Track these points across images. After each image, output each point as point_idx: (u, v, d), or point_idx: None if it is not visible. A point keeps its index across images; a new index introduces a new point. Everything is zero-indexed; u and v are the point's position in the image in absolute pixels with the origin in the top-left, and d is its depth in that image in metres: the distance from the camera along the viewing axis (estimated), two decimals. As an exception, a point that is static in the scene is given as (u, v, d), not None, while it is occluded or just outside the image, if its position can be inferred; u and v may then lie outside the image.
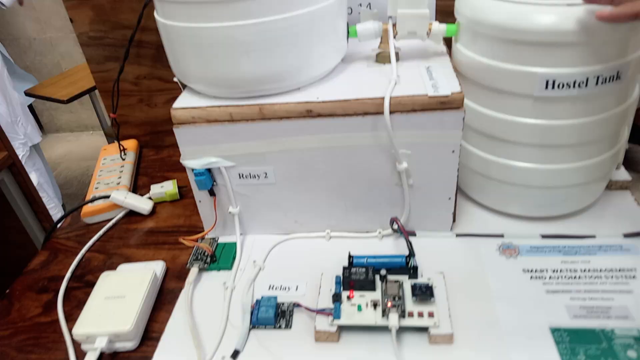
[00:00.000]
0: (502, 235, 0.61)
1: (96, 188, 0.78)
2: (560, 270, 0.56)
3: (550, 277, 0.56)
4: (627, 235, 0.59)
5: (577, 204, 0.62)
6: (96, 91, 1.89)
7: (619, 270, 0.55)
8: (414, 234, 0.62)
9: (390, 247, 0.62)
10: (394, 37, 0.58)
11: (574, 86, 0.50)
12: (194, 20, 0.50)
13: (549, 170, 0.57)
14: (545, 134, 0.54)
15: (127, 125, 0.91)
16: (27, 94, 1.82)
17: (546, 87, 0.51)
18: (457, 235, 0.62)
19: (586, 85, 0.50)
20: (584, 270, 0.56)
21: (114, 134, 0.86)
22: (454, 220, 0.63)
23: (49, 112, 2.68)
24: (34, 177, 1.61)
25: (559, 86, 0.50)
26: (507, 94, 0.54)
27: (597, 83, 0.50)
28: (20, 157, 1.58)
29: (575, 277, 0.55)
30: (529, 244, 0.60)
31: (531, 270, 0.57)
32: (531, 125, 0.54)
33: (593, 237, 0.60)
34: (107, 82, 0.84)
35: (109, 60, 0.83)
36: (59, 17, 2.36)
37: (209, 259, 0.61)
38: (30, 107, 2.55)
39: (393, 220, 0.60)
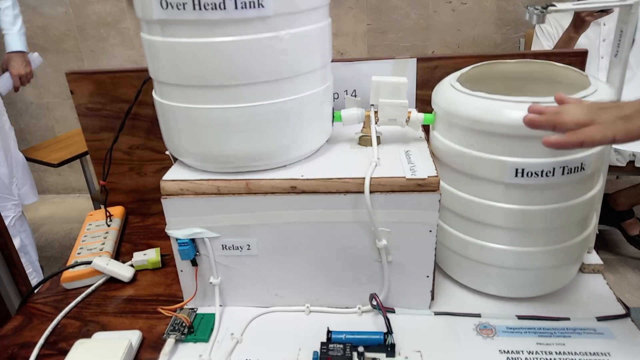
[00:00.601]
0: (479, 315, 0.62)
1: (78, 253, 0.78)
2: (536, 352, 0.57)
3: (525, 359, 0.56)
4: (600, 319, 0.60)
5: (551, 286, 0.64)
6: (87, 157, 1.92)
7: (593, 354, 0.56)
8: (393, 311, 0.63)
9: (370, 323, 0.62)
10: (376, 122, 0.63)
11: (542, 175, 0.54)
12: (189, 102, 0.54)
13: (522, 253, 0.60)
14: (517, 218, 0.57)
15: (116, 192, 0.93)
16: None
17: (516, 174, 0.54)
18: (436, 313, 0.63)
19: (553, 174, 0.54)
20: (559, 353, 0.57)
21: (102, 201, 0.87)
22: (432, 298, 0.64)
23: (37, 173, 2.68)
24: (19, 239, 1.60)
25: (528, 174, 0.54)
26: (480, 179, 0.57)
27: (563, 173, 0.54)
28: (10, 218, 1.58)
29: (550, 360, 0.56)
30: (505, 325, 0.61)
31: (507, 352, 0.57)
32: (504, 209, 0.57)
33: (568, 319, 0.61)
34: (101, 151, 0.87)
35: (104, 130, 0.86)
36: (58, 84, 2.44)
37: (186, 330, 0.60)
38: (19, 168, 2.56)
39: (372, 297, 0.61)
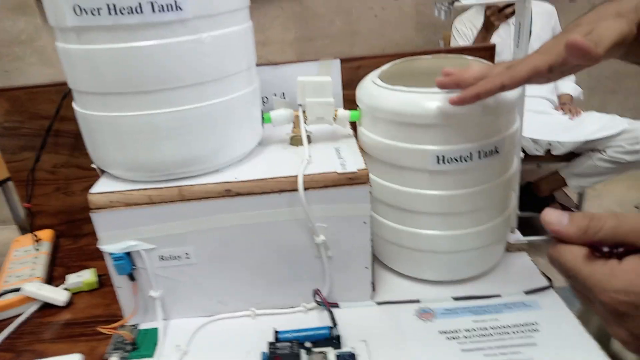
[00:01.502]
0: (418, 301, 0.65)
1: (6, 282, 0.73)
2: (473, 330, 0.60)
3: (464, 337, 0.59)
4: (527, 292, 0.65)
5: (481, 267, 0.68)
6: (9, 182, 1.80)
7: (524, 325, 0.60)
8: (337, 306, 0.64)
9: (316, 320, 0.63)
10: (305, 122, 0.64)
11: (461, 160, 0.57)
12: (112, 110, 0.53)
13: (451, 236, 0.63)
14: (442, 203, 0.61)
15: (43, 215, 0.88)
16: None
17: (437, 161, 0.57)
18: (378, 303, 0.65)
19: (471, 159, 0.57)
20: (493, 328, 0.60)
21: (28, 225, 0.82)
22: (373, 289, 0.66)
23: (-48, 206, 2.48)
24: None
25: (448, 161, 0.57)
26: (406, 169, 0.60)
27: (479, 157, 0.58)
28: None
29: (486, 335, 0.59)
30: (443, 307, 0.64)
31: (446, 332, 0.60)
32: (430, 196, 0.60)
33: (499, 296, 0.65)
34: (22, 172, 0.82)
35: (25, 149, 0.82)
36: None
37: (129, 347, 0.59)
38: None
39: (315, 292, 0.62)
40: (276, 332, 0.58)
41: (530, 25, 0.60)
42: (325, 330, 0.58)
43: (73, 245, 0.88)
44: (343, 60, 0.79)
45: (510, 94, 0.58)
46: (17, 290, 0.69)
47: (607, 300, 0.30)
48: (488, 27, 1.78)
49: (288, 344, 0.55)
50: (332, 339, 0.56)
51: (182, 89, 0.53)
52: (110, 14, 0.48)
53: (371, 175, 0.65)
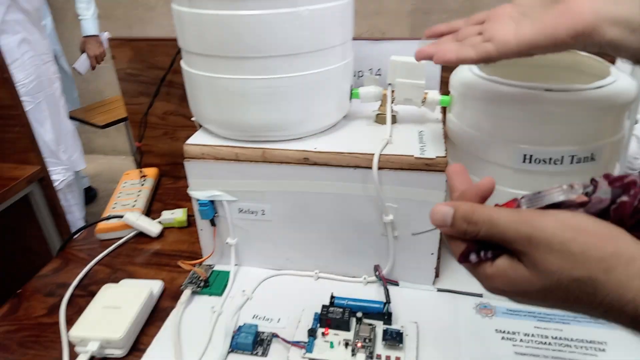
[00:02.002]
0: (480, 295, 0.64)
1: (113, 208, 0.84)
2: (532, 335, 0.58)
3: (521, 340, 0.58)
4: (600, 309, 0.61)
5: (554, 273, 0.65)
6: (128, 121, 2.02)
7: (590, 342, 0.57)
8: (396, 284, 0.66)
9: (373, 293, 0.65)
10: (392, 101, 0.64)
11: (549, 162, 0.54)
12: (212, 71, 0.58)
13: (527, 238, 0.61)
14: (523, 203, 0.58)
15: (151, 155, 0.99)
16: (70, 116, 1.96)
17: (524, 160, 0.55)
18: (439, 290, 0.66)
19: (561, 162, 0.54)
20: (555, 338, 0.58)
21: (137, 161, 0.93)
22: (437, 276, 0.66)
23: (86, 134, 2.83)
24: (66, 200, 1.72)
25: (535, 161, 0.55)
26: (490, 163, 0.58)
27: (572, 162, 0.54)
28: (59, 182, 1.70)
29: (545, 343, 0.57)
30: (506, 307, 0.62)
31: (503, 332, 0.59)
32: (511, 195, 0.58)
33: (567, 306, 0.62)
34: (138, 114, 0.92)
35: (142, 95, 0.91)
36: (107, 50, 2.55)
37: (202, 284, 0.65)
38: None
39: (375, 268, 0.64)
40: (332, 296, 0.61)
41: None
42: (379, 304, 0.60)
43: (172, 184, 0.97)
44: (446, 41, 0.77)
45: (621, 97, 0.53)
46: (121, 217, 0.80)
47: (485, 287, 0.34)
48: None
49: (341, 309, 0.57)
50: (383, 314, 0.58)
51: (276, 58, 0.56)
52: (220, -19, 0.51)
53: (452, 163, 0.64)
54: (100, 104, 2.13)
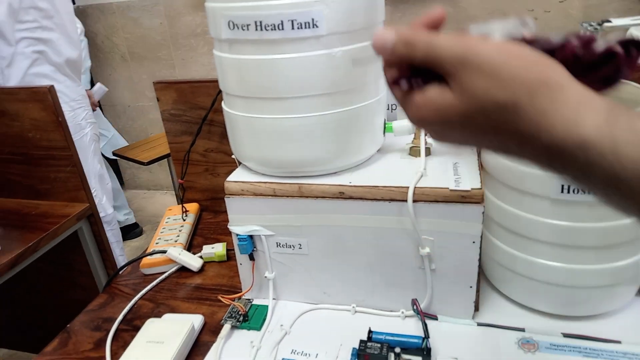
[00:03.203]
0: (522, 329, 0.62)
1: (157, 243, 0.88)
2: (579, 372, 0.56)
3: (567, 377, 0.56)
4: (654, 345, 0.58)
5: (602, 306, 0.62)
6: (170, 157, 2.10)
7: (641, 380, 0.55)
8: (435, 318, 0.65)
9: (412, 328, 0.65)
10: (425, 135, 0.65)
11: (588, 192, 0.53)
12: (250, 112, 0.61)
13: (572, 270, 0.59)
14: (564, 234, 0.57)
15: (192, 190, 1.02)
16: (115, 154, 2.05)
17: (562, 190, 0.54)
18: (479, 324, 0.64)
19: (601, 192, 0.53)
20: (603, 375, 0.56)
21: (180, 197, 0.97)
22: (476, 309, 0.65)
23: (131, 170, 2.96)
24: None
25: (574, 191, 0.54)
26: (527, 194, 0.58)
27: (611, 191, 0.53)
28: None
29: (593, 381, 0.55)
30: (550, 341, 0.60)
31: (548, 368, 0.57)
32: (551, 225, 0.57)
33: (618, 342, 0.59)
34: (180, 152, 0.96)
35: (184, 134, 0.96)
36: (152, 89, 2.68)
37: (241, 318, 0.67)
38: (116, 164, 2.84)
39: (413, 302, 0.64)
40: (370, 331, 0.61)
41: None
42: (417, 339, 0.59)
43: (213, 219, 1.00)
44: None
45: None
46: (164, 252, 0.82)
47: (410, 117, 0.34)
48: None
49: (379, 345, 0.57)
50: (422, 350, 0.57)
51: (311, 98, 0.58)
52: (257, 29, 0.54)
53: (489, 195, 0.63)
54: (145, 141, 2.23)
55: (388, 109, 0.81)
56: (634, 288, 0.63)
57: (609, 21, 0.53)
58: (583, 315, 0.63)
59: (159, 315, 0.71)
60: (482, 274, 0.71)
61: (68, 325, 0.73)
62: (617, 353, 0.58)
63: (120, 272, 0.85)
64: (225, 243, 0.86)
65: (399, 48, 0.31)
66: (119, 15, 2.57)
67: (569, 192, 0.54)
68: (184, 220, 0.95)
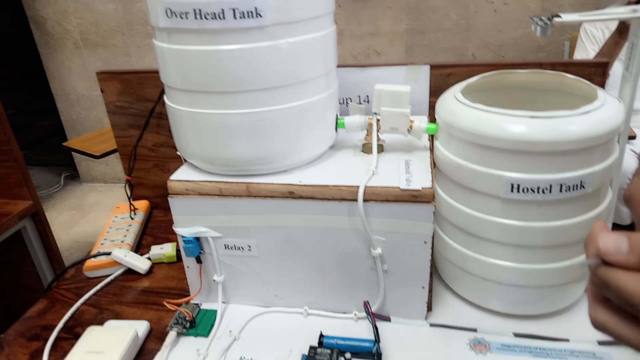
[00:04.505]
0: (475, 330, 0.62)
1: (102, 244, 0.83)
2: (530, 371, 0.56)
3: (518, 377, 0.55)
4: (601, 343, 0.59)
5: (552, 305, 0.62)
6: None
7: (590, 378, 0.55)
8: (388, 319, 0.64)
9: (365, 330, 0.63)
10: (378, 130, 0.63)
11: (538, 191, 0.53)
12: (193, 106, 0.57)
13: (521, 269, 0.59)
14: (514, 233, 0.57)
15: (142, 187, 0.98)
16: (65, 147, 1.96)
17: (511, 190, 0.53)
18: (431, 324, 0.63)
19: (550, 191, 0.53)
20: (553, 373, 0.55)
21: (128, 194, 0.92)
22: (429, 309, 0.64)
23: (86, 162, 2.84)
24: None
25: (524, 190, 0.53)
26: (477, 193, 0.57)
27: (561, 190, 0.53)
28: None
29: (543, 379, 0.55)
30: (501, 342, 0.60)
31: (500, 368, 0.57)
32: (500, 225, 0.57)
33: (567, 340, 0.60)
34: (128, 147, 0.92)
35: (131, 127, 0.91)
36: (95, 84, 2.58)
37: (188, 324, 0.63)
38: (70, 155, 2.73)
39: (364, 304, 0.62)
40: (321, 335, 0.59)
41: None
42: (370, 343, 0.57)
43: (163, 217, 0.96)
44: (433, 67, 0.76)
45: (608, 123, 0.52)
46: (109, 254, 0.78)
47: None
48: (622, 31, 1.58)
49: (329, 351, 0.55)
50: (373, 355, 0.56)
51: (258, 92, 0.55)
52: (196, 18, 0.51)
53: (441, 193, 0.62)
54: (98, 133, 2.13)
55: (342, 102, 0.79)
56: (581, 286, 0.64)
57: (559, 16, 0.52)
58: (533, 314, 0.63)
59: (102, 322, 0.67)
60: (435, 272, 0.70)
61: (1, 335, 0.68)
62: (565, 352, 0.58)
63: (64, 275, 0.81)
64: (175, 243, 0.83)
65: None
66: (70, 0, 2.44)
67: (518, 191, 0.53)
68: (132, 219, 0.91)
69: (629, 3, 1.52)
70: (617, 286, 0.28)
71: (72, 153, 2.53)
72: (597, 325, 0.30)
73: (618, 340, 0.29)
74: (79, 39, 2.52)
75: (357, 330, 0.63)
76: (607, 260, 0.28)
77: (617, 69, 1.58)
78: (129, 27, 2.45)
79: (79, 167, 2.88)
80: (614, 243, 0.28)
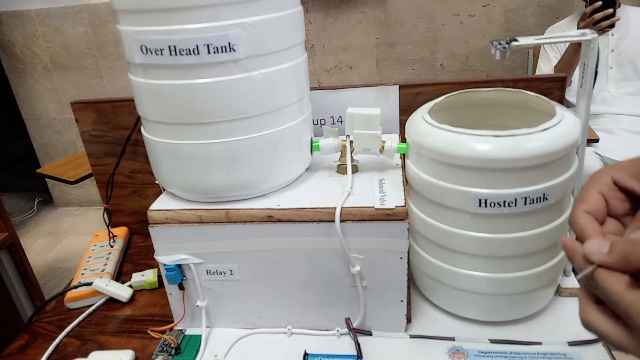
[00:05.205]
0: (453, 338, 0.64)
1: (82, 274, 0.83)
2: (507, 377, 0.59)
3: (495, 383, 0.58)
4: (571, 344, 0.62)
5: (524, 311, 0.65)
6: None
7: (565, 381, 0.58)
8: (370, 334, 0.66)
9: (348, 346, 0.65)
10: (352, 152, 0.65)
11: (504, 205, 0.56)
12: (170, 137, 0.58)
13: (493, 279, 0.62)
14: (484, 245, 0.59)
15: (120, 214, 0.98)
16: (39, 173, 1.93)
17: (479, 204, 0.56)
18: (411, 336, 0.65)
19: (515, 204, 0.56)
20: (530, 378, 0.58)
21: (106, 222, 0.92)
22: (409, 321, 0.66)
23: (60, 187, 2.80)
24: None
25: (491, 204, 0.56)
26: (448, 208, 0.59)
27: (525, 203, 0.56)
28: None
29: (520, 384, 0.57)
30: (478, 349, 0.63)
31: (478, 375, 0.59)
32: (471, 237, 0.59)
33: (539, 343, 0.62)
34: (104, 175, 0.92)
35: (108, 155, 0.91)
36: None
37: (173, 351, 0.64)
38: (43, 179, 2.68)
39: (346, 321, 0.64)
40: (306, 354, 0.60)
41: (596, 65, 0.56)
42: (353, 358, 0.59)
43: (143, 243, 0.96)
44: (402, 87, 0.80)
45: (567, 137, 0.55)
46: (90, 284, 0.78)
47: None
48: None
49: (314, 369, 0.57)
50: (357, 370, 0.58)
51: (234, 122, 0.57)
52: (171, 54, 0.52)
53: (414, 209, 0.65)
54: (72, 157, 2.11)
55: (316, 124, 0.82)
56: (552, 290, 0.67)
57: (516, 40, 0.55)
58: (507, 320, 0.66)
59: (85, 354, 0.67)
60: (413, 284, 0.72)
61: (-18, 374, 0.67)
62: (538, 354, 0.61)
63: (44, 308, 0.80)
64: (156, 269, 0.83)
65: (620, 262, 0.30)
66: (39, 23, 2.42)
67: (486, 205, 0.56)
68: (112, 246, 0.91)
69: (584, 14, 1.59)
70: (603, 286, 0.31)
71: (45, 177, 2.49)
72: (587, 325, 0.33)
73: (605, 339, 0.32)
74: (49, 63, 2.50)
75: (341, 346, 0.65)
76: (588, 260, 0.31)
77: (578, 75, 1.65)
78: (100, 49, 2.43)
79: (53, 192, 2.83)
80: (595, 245, 0.31)
